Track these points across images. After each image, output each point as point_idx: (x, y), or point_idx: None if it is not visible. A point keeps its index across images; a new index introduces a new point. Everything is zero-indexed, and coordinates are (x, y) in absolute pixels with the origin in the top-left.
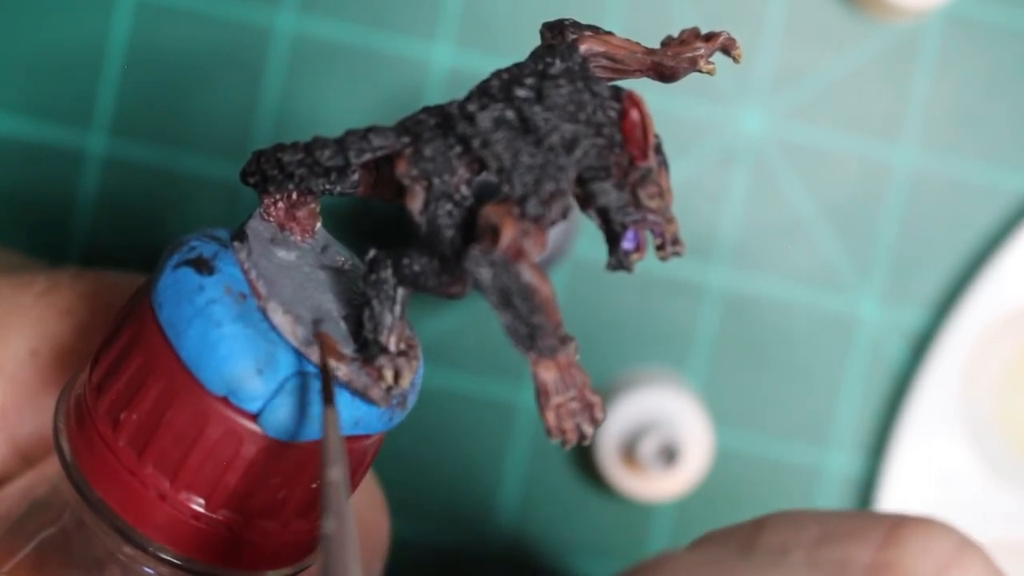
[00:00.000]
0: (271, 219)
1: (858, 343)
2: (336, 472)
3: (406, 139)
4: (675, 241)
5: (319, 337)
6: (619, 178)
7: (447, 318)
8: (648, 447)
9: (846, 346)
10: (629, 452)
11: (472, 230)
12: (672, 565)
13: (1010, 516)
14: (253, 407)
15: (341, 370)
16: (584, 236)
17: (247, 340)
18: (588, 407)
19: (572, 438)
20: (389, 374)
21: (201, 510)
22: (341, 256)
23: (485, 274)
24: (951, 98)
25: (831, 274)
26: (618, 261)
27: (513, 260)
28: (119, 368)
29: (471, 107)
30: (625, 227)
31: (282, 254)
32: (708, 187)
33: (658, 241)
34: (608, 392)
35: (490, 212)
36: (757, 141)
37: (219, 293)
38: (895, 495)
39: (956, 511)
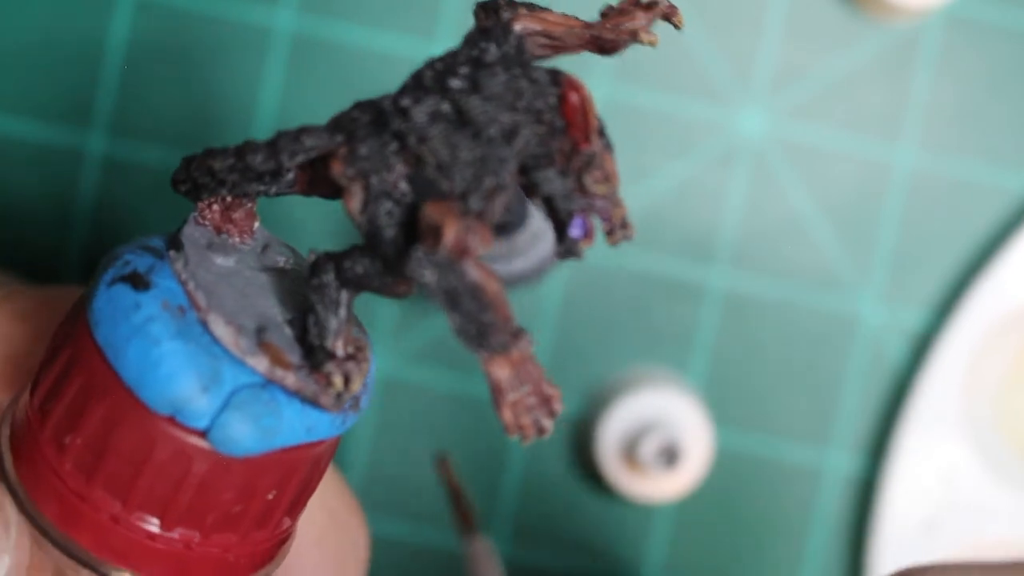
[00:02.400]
0: (206, 223)
1: (858, 343)
2: None
3: (339, 138)
4: (624, 225)
5: (264, 347)
6: (563, 164)
7: (447, 319)
8: (648, 447)
9: (846, 346)
10: (629, 452)
11: (414, 228)
12: None
13: (1010, 516)
14: (200, 424)
15: (289, 379)
16: None
17: (189, 356)
18: (545, 401)
19: (530, 433)
20: (338, 380)
21: (156, 530)
22: (282, 256)
23: (429, 276)
24: (951, 98)
25: (831, 274)
26: (567, 249)
27: (457, 259)
28: (60, 390)
29: (405, 101)
30: (571, 214)
31: (220, 260)
32: (708, 187)
33: (606, 227)
34: (608, 392)
35: (431, 211)
36: (757, 141)
37: (156, 309)
38: (896, 495)
39: (956, 511)
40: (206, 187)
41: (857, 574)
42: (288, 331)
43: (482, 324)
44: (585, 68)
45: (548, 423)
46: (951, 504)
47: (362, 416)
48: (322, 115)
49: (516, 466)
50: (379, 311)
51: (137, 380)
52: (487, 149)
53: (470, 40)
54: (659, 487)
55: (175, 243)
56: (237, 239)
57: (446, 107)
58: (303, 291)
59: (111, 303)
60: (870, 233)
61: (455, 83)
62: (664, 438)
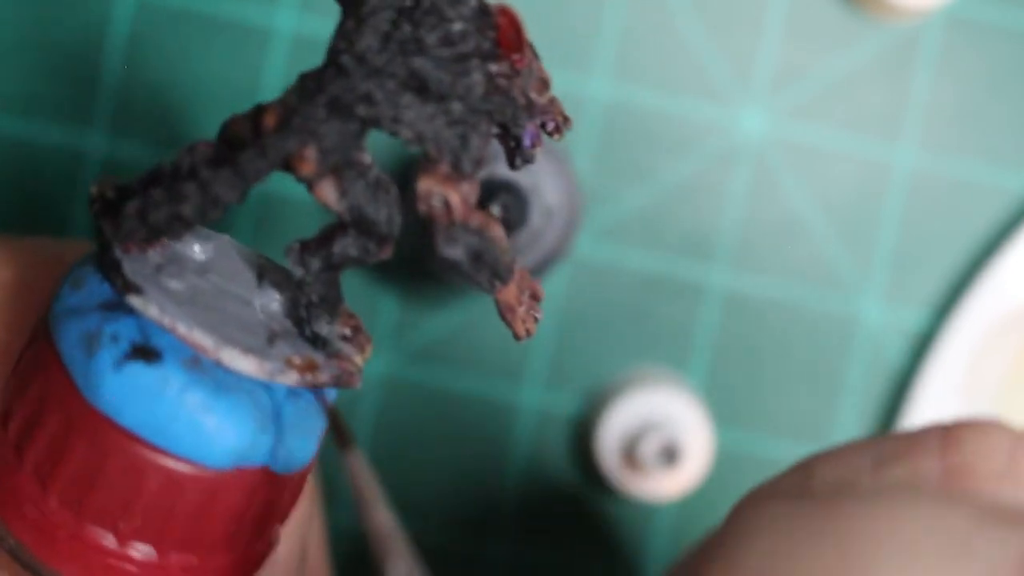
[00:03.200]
0: (135, 251)
1: (858, 343)
2: (384, 516)
3: (303, 138)
4: (565, 120)
5: (288, 361)
6: (505, 86)
7: (447, 318)
8: (649, 447)
9: (846, 346)
10: (630, 452)
11: (400, 197)
12: (742, 545)
13: None
14: (262, 460)
15: (321, 377)
16: (584, 236)
17: (239, 407)
18: (534, 295)
19: (533, 330)
20: (359, 359)
21: (229, 561)
22: (197, 241)
23: (459, 252)
24: (951, 98)
25: (831, 274)
26: (524, 160)
27: (471, 222)
28: (95, 482)
29: (363, 86)
30: (524, 128)
31: (175, 284)
32: (708, 187)
33: (551, 127)
34: (608, 392)
35: (430, 186)
36: (757, 141)
37: (183, 374)
38: None
39: None
40: (172, 230)
41: None
42: (278, 325)
43: (498, 267)
44: (585, 68)
45: (540, 312)
46: None
47: (362, 416)
48: None
49: (517, 465)
50: (379, 311)
51: (196, 449)
52: (457, 109)
53: None
54: (659, 486)
55: (130, 286)
56: (160, 248)
57: (402, 73)
58: (248, 271)
59: (131, 386)
60: (870, 233)
61: (398, 48)
62: (664, 438)
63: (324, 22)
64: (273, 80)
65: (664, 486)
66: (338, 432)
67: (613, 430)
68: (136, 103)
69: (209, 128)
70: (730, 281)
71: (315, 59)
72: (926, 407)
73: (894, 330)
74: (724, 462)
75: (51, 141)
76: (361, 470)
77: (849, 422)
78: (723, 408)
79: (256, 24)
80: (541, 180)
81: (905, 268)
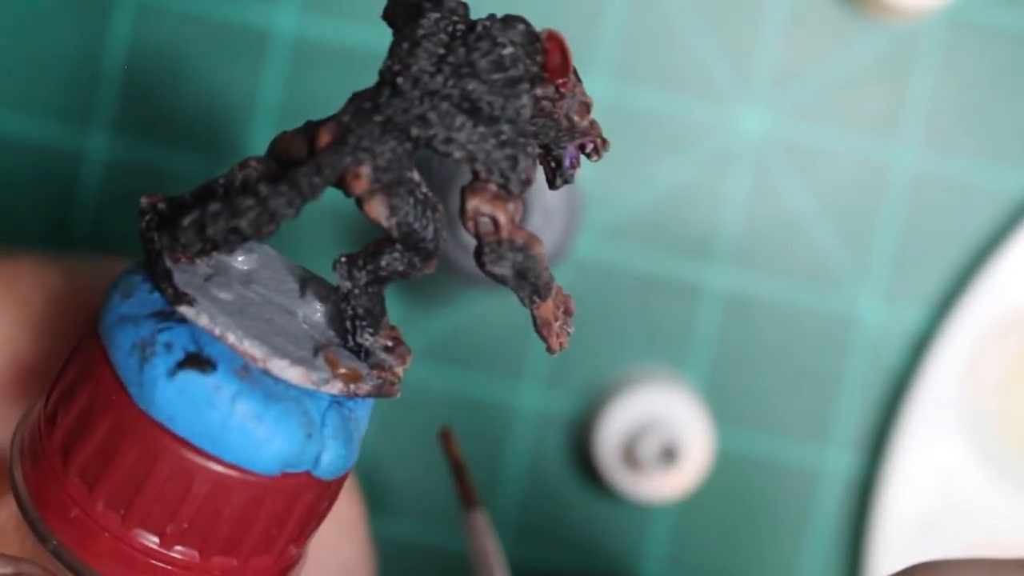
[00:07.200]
0: (183, 261)
1: (858, 343)
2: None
3: (359, 156)
4: (604, 142)
5: (338, 374)
6: (549, 109)
7: (447, 318)
8: (648, 447)
9: (846, 346)
10: (629, 452)
11: (435, 205)
12: None
13: (1010, 516)
14: (306, 467)
15: (363, 388)
16: (584, 236)
17: (288, 416)
18: (568, 311)
19: (566, 344)
20: (400, 370)
21: (272, 561)
22: (240, 253)
23: (506, 269)
24: (951, 98)
25: (831, 274)
26: (564, 180)
27: (517, 240)
28: (144, 486)
29: (418, 107)
30: (565, 150)
31: (224, 295)
32: (708, 187)
33: (590, 148)
34: (608, 392)
35: (479, 204)
36: (757, 141)
37: (236, 383)
38: (895, 495)
39: (955, 511)
40: (229, 244)
41: (856, 574)
42: (320, 335)
43: (539, 284)
44: (585, 68)
45: (572, 327)
46: (950, 504)
47: None
48: (322, 115)
49: (516, 466)
50: None
51: (247, 457)
52: (508, 131)
53: (424, 17)
54: (659, 487)
55: (182, 297)
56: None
57: (455, 95)
58: (291, 282)
59: (184, 394)
60: (870, 233)
61: (450, 71)
62: (664, 438)
63: (324, 23)
64: (273, 80)
65: (664, 486)
66: (463, 489)
67: (613, 430)
68: (136, 103)
69: (209, 128)
70: (730, 281)
71: (315, 60)
72: (926, 407)
73: (893, 330)
74: (724, 462)
75: (51, 141)
76: (485, 532)
77: (848, 422)
78: (723, 408)
79: (256, 25)
80: (540, 180)
81: (904, 268)
